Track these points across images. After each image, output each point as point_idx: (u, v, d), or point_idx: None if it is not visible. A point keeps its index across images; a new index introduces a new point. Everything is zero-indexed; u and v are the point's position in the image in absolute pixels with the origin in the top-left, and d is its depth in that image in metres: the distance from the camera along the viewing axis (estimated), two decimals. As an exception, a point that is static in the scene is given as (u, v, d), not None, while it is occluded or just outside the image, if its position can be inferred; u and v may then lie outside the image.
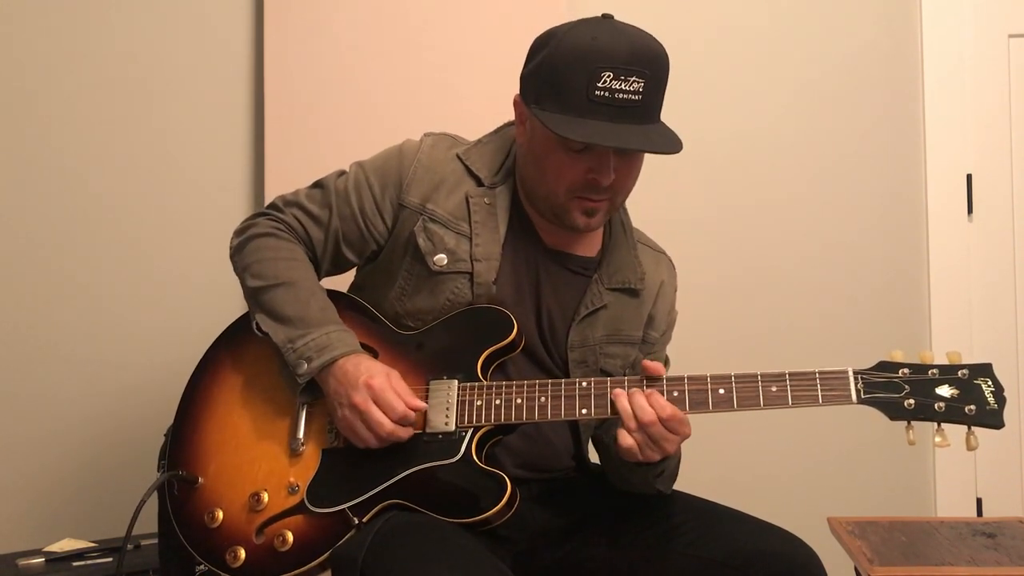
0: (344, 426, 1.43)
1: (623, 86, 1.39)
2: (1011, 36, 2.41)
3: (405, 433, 1.41)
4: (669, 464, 1.48)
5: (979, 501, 2.39)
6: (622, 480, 1.55)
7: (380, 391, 1.40)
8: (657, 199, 2.24)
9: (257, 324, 1.51)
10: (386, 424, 1.39)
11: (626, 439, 1.36)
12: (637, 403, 1.36)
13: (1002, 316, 2.41)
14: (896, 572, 1.54)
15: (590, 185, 1.46)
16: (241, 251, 1.59)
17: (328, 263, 1.62)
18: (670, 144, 1.42)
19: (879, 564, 1.56)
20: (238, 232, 1.62)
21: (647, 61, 1.40)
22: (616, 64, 1.38)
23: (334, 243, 1.59)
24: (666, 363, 1.70)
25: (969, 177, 2.40)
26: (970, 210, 2.41)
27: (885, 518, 1.86)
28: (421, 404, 1.43)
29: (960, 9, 2.39)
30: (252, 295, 1.54)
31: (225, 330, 1.62)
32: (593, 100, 1.39)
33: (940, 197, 2.39)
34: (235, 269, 1.59)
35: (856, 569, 1.66)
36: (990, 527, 1.78)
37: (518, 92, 1.53)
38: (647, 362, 1.42)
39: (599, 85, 1.38)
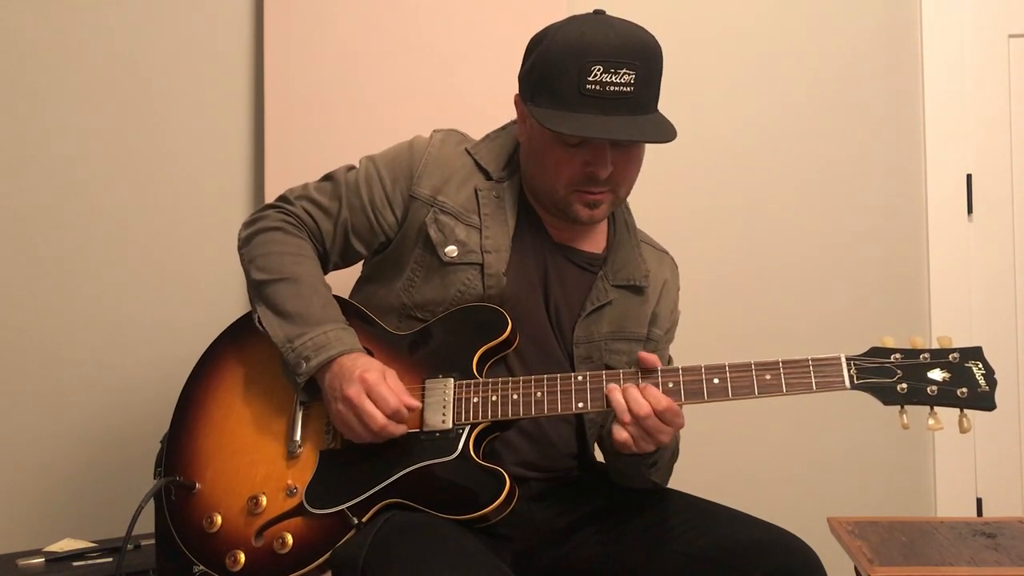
0: (338, 420, 1.43)
1: (613, 78, 1.40)
2: (1011, 36, 2.41)
3: (398, 429, 1.41)
4: (663, 455, 1.49)
5: (979, 501, 2.39)
6: (617, 473, 1.57)
7: (374, 385, 1.40)
8: (659, 199, 2.24)
9: (258, 318, 1.51)
10: (379, 417, 1.39)
11: (620, 433, 1.38)
12: (631, 396, 1.37)
13: (1002, 316, 2.41)
14: (896, 572, 1.53)
15: (588, 178, 1.48)
16: (249, 243, 1.59)
17: (336, 255, 1.62)
18: (662, 133, 1.43)
19: (879, 564, 1.56)
20: (247, 224, 1.62)
21: (637, 52, 1.42)
22: (605, 57, 1.40)
23: (343, 235, 1.60)
24: (669, 363, 1.71)
25: (969, 177, 2.40)
26: (970, 210, 2.40)
27: (885, 518, 1.86)
28: (415, 403, 1.43)
29: (960, 9, 2.39)
30: (255, 287, 1.54)
31: (220, 334, 1.62)
32: (584, 94, 1.41)
33: (940, 197, 2.39)
34: (242, 261, 1.59)
35: (856, 569, 1.66)
36: (990, 527, 1.77)
37: (518, 92, 1.55)
38: (642, 353, 1.43)
39: (589, 79, 1.40)
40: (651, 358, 1.41)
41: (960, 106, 2.39)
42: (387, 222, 1.58)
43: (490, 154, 1.61)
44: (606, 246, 1.64)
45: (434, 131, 1.63)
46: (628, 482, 1.57)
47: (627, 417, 1.36)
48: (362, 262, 1.68)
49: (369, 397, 1.40)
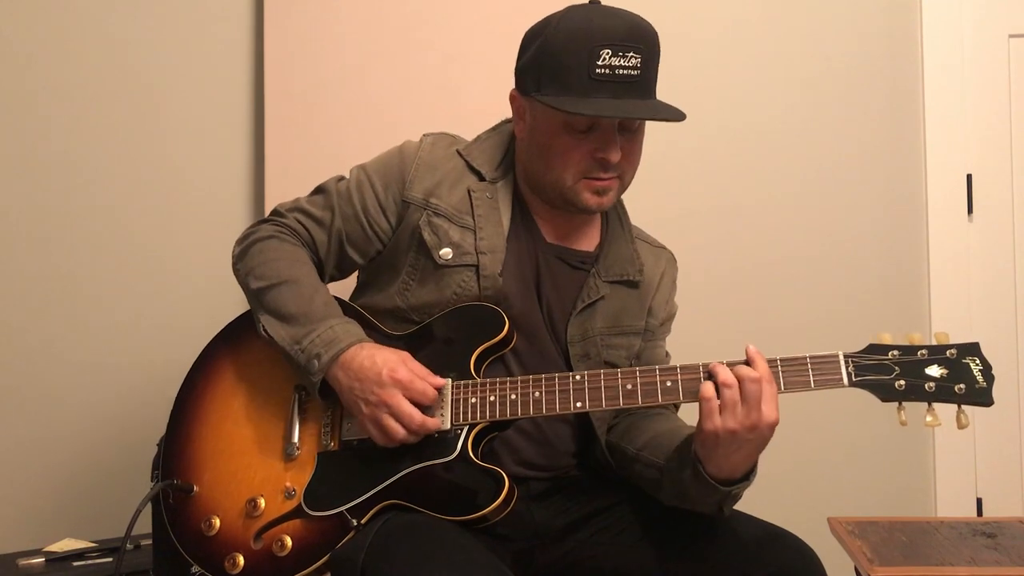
0: (371, 422, 1.41)
1: (622, 62, 1.42)
2: (1011, 36, 2.41)
3: (434, 424, 1.41)
4: (742, 487, 1.41)
5: (979, 501, 2.39)
6: (680, 495, 1.44)
7: (409, 383, 1.40)
8: (658, 198, 2.25)
9: (263, 328, 1.50)
10: (416, 416, 1.39)
11: (724, 421, 1.30)
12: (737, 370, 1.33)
13: (1002, 316, 2.41)
14: (896, 572, 1.54)
15: (598, 164, 1.48)
16: (244, 256, 1.58)
17: (332, 266, 1.62)
18: (674, 113, 1.45)
19: (879, 564, 1.56)
20: (240, 240, 1.62)
21: (642, 37, 1.45)
22: (613, 41, 1.42)
23: (338, 244, 1.59)
24: (666, 356, 1.71)
25: (969, 177, 2.40)
26: (970, 210, 2.40)
27: (885, 518, 1.86)
28: (440, 380, 1.44)
29: (960, 9, 2.39)
30: (255, 296, 1.54)
31: (215, 337, 1.62)
32: (595, 78, 1.42)
33: (940, 197, 2.39)
34: (238, 276, 1.59)
35: (856, 569, 1.66)
36: (990, 527, 1.78)
37: (514, 87, 1.54)
38: (750, 348, 1.37)
39: (599, 63, 1.41)
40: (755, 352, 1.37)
41: (960, 106, 2.39)
42: (381, 229, 1.58)
43: (482, 155, 1.60)
44: (599, 243, 1.64)
45: (424, 135, 1.63)
46: (689, 504, 1.44)
47: (732, 380, 1.31)
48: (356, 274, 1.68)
49: (408, 396, 1.40)
